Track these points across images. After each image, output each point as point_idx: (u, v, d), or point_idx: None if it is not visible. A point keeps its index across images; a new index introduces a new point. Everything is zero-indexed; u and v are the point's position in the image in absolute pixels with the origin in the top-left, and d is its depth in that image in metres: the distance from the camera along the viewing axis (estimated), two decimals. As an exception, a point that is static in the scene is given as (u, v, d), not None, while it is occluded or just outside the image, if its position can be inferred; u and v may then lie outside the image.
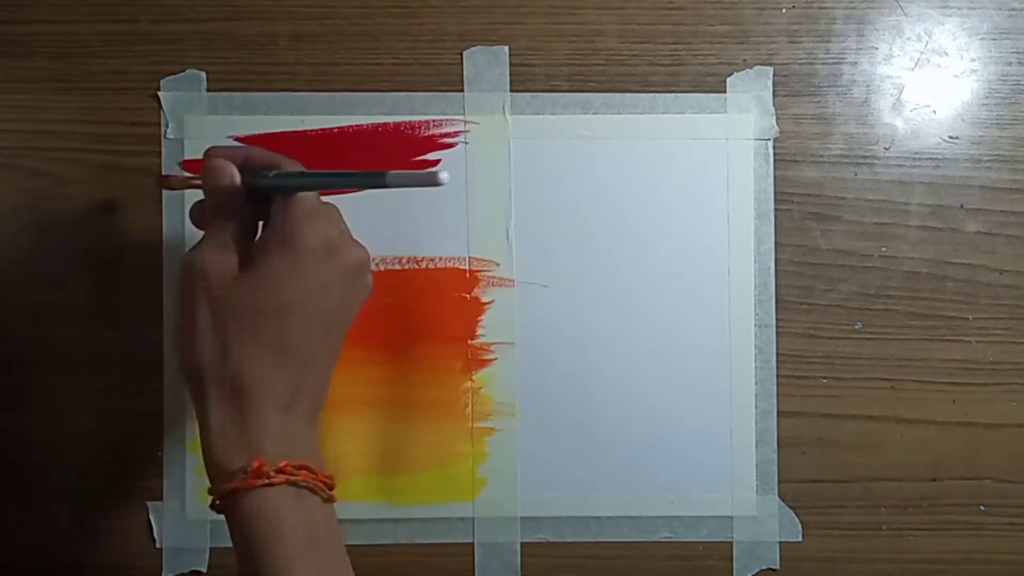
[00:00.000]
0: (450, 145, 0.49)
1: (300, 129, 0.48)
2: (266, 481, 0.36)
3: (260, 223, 0.41)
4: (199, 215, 0.41)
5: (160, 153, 0.48)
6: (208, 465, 0.37)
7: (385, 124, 0.48)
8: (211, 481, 0.37)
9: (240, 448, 0.37)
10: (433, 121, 0.49)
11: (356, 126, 0.48)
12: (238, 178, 0.39)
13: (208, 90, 0.48)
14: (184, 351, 0.38)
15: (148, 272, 0.48)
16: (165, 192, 0.48)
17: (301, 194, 0.39)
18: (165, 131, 0.48)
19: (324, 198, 0.41)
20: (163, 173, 0.48)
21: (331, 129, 0.48)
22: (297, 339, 0.38)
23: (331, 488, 0.38)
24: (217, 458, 0.37)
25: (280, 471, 0.36)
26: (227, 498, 0.36)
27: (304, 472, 0.37)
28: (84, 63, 0.48)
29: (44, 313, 0.48)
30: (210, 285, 0.37)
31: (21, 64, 0.48)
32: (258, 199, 0.40)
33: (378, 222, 0.48)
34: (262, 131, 0.48)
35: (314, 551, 0.36)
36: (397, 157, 0.48)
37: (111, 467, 0.48)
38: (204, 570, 0.48)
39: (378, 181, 0.38)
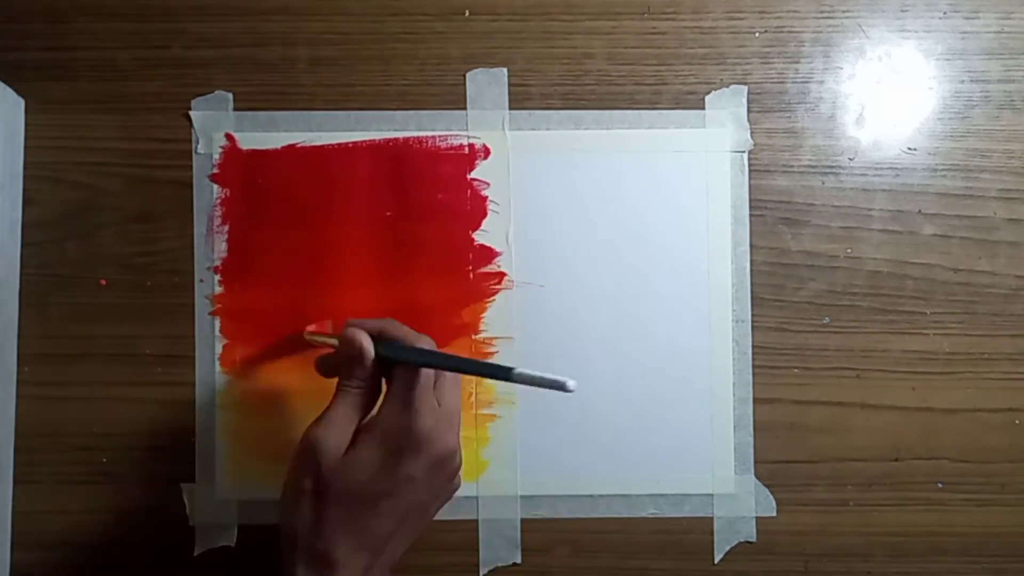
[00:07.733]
0: (456, 158, 0.51)
1: (318, 144, 0.51)
2: None
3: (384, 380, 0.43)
4: (325, 368, 0.46)
5: (191, 167, 0.51)
6: None
7: (395, 139, 0.51)
8: None
9: None
10: (439, 136, 0.51)
11: (369, 141, 0.51)
12: (372, 351, 0.42)
13: (234, 109, 0.51)
14: (284, 513, 0.42)
15: (179, 275, 0.50)
16: (196, 203, 0.50)
17: (425, 371, 0.41)
18: (196, 147, 0.51)
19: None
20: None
21: (346, 144, 0.51)
22: (380, 526, 0.41)
23: None
24: None
25: None
26: None
27: None
28: (122, 86, 0.51)
29: (86, 311, 0.50)
30: (317, 462, 0.41)
31: (65, 87, 0.51)
32: (385, 364, 0.43)
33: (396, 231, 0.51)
34: (284, 146, 0.51)
35: None
36: (406, 169, 0.51)
37: (147, 452, 0.50)
38: (233, 545, 0.50)
39: (504, 374, 0.38)
